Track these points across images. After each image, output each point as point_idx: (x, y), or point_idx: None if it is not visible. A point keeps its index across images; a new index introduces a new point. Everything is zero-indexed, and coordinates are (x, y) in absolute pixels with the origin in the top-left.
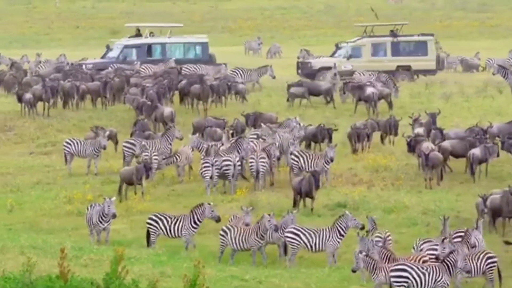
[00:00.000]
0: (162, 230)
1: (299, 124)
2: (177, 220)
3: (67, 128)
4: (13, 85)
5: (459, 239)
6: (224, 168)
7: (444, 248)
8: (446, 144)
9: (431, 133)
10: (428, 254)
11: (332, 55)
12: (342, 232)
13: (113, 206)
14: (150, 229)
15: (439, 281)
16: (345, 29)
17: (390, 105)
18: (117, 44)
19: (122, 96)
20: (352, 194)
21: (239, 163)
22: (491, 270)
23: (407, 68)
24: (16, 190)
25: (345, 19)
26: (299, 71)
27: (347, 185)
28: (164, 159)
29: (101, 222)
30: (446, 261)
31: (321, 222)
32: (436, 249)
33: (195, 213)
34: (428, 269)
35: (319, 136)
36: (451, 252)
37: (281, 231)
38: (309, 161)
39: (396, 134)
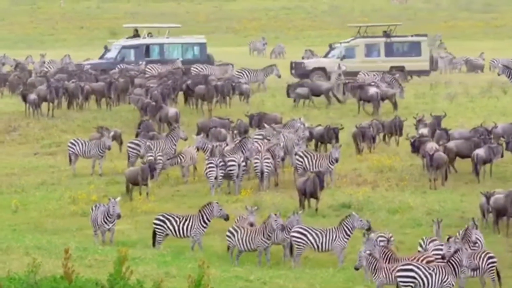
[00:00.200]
0: (170, 230)
1: (304, 125)
2: (185, 220)
3: (71, 129)
4: (18, 86)
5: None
6: (229, 168)
7: (449, 247)
8: (451, 144)
9: (435, 134)
10: (433, 254)
11: (325, 56)
12: (349, 232)
13: (118, 207)
14: (157, 229)
15: (445, 281)
16: (349, 30)
17: (395, 105)
18: (115, 45)
19: (126, 97)
20: (356, 194)
21: (243, 163)
22: (492, 269)
23: (401, 69)
24: (21, 191)
25: (349, 20)
26: (293, 71)
27: (351, 186)
28: (168, 159)
29: (106, 223)
30: (451, 261)
31: (325, 223)
32: (441, 249)
33: (204, 212)
34: (435, 270)
35: (326, 137)
36: (455, 252)
37: (287, 232)
38: (314, 161)
39: (401, 134)
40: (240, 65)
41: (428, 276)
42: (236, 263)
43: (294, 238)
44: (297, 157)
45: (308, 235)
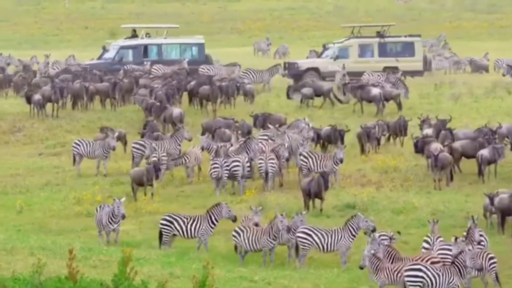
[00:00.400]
0: (178, 231)
1: (308, 125)
2: (193, 220)
3: (76, 129)
4: (22, 86)
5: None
6: (233, 169)
7: (458, 248)
8: (456, 145)
9: (440, 134)
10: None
11: (319, 56)
12: (354, 233)
13: (123, 207)
14: (164, 230)
15: (451, 282)
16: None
17: (399, 106)
18: (113, 45)
19: (131, 97)
20: (361, 195)
21: (248, 164)
22: (494, 269)
23: (394, 69)
24: (25, 191)
25: (354, 20)
26: (286, 71)
27: (356, 186)
28: (172, 160)
29: (111, 223)
30: (455, 262)
31: (330, 223)
32: (446, 249)
33: (213, 213)
34: (442, 270)
35: (333, 138)
36: (459, 253)
37: (291, 232)
38: (318, 162)
39: (405, 135)
40: (245, 66)
41: (436, 276)
42: (241, 263)
43: (299, 239)
44: (301, 157)
45: (314, 236)
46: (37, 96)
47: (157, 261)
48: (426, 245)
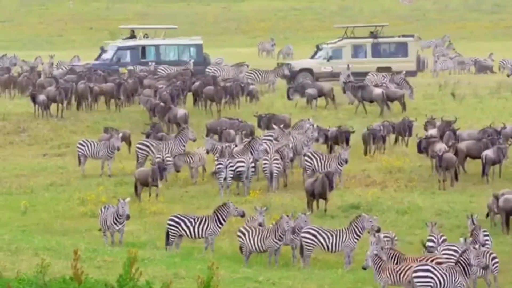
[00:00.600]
0: (185, 231)
1: (313, 126)
2: (200, 221)
3: (80, 130)
4: (27, 87)
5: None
6: (238, 169)
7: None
8: (461, 145)
9: (444, 134)
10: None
11: (312, 57)
12: (358, 233)
13: (127, 208)
14: (170, 230)
15: (457, 282)
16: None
17: (403, 106)
18: (111, 46)
19: (135, 98)
20: (365, 195)
21: (252, 164)
22: (496, 269)
23: (388, 70)
24: (30, 192)
25: (358, 21)
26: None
27: (360, 187)
28: (175, 156)
29: (115, 224)
30: (460, 261)
31: (334, 223)
32: (451, 250)
33: (220, 213)
34: (448, 271)
35: (339, 139)
36: (463, 252)
37: (296, 233)
38: (323, 162)
39: (410, 135)
40: (250, 66)
41: (444, 276)
42: (245, 264)
43: (304, 239)
44: (306, 158)
45: (319, 236)
46: (41, 97)
47: (161, 262)
48: (431, 244)
